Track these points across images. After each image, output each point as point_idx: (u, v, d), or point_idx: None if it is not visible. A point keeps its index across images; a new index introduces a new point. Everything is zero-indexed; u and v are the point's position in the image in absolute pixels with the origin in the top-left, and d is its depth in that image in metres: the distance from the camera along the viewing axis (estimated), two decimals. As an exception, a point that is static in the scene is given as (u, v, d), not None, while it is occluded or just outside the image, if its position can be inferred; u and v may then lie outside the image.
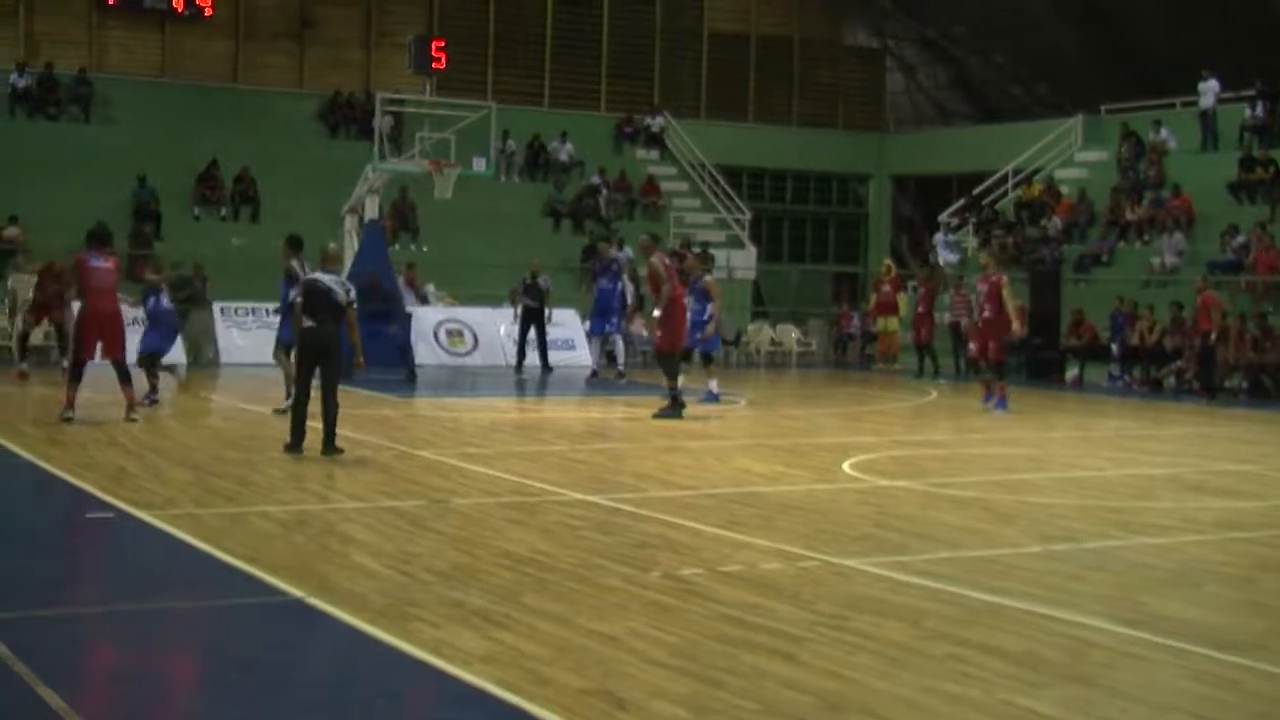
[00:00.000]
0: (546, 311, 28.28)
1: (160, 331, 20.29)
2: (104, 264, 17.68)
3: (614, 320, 26.72)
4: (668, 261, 20.18)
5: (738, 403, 23.43)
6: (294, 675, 7.34)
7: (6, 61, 35.56)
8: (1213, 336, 25.65)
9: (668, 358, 20.03)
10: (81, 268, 17.65)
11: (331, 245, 15.93)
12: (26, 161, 32.29)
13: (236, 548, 10.10)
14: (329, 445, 14.98)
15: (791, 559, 10.31)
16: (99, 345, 17.60)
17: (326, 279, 15.10)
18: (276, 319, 27.30)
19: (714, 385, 21.44)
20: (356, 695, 7.02)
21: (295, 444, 15.08)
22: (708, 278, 22.12)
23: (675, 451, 16.64)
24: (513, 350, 28.89)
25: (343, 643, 7.96)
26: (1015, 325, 22.06)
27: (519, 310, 28.77)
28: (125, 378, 17.70)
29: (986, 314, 21.72)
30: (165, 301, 20.38)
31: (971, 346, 23.16)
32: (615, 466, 15.07)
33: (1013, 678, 7.39)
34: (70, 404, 17.42)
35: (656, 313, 20.99)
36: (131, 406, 17.61)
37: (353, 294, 15.25)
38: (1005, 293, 21.46)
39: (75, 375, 17.58)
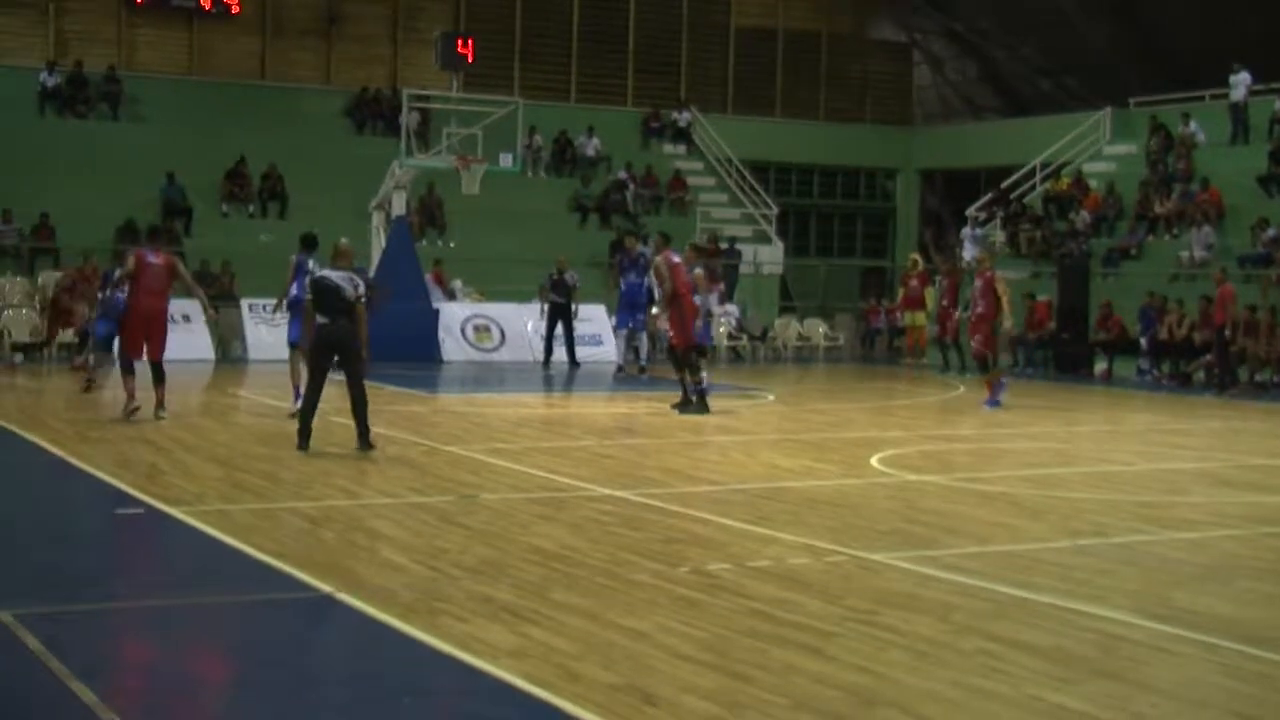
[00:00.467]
0: (573, 307, 28.35)
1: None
2: (157, 261, 17.74)
3: (639, 315, 26.69)
4: (674, 260, 20.11)
5: (766, 398, 23.44)
6: (323, 671, 7.36)
7: (37, 60, 35.69)
8: (1228, 330, 25.58)
9: (674, 353, 20.34)
10: (140, 263, 17.74)
11: (343, 240, 15.90)
12: (56, 159, 32.40)
13: (265, 543, 10.13)
14: (364, 441, 15.01)
15: (820, 554, 10.30)
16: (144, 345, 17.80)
17: (335, 276, 15.07)
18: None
19: (705, 377, 21.14)
20: (385, 690, 7.03)
21: (303, 442, 15.09)
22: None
23: (703, 446, 16.64)
24: (540, 346, 28.92)
25: (371, 638, 7.97)
26: (1008, 321, 22.16)
27: (546, 306, 28.81)
28: (160, 378, 17.75)
29: (980, 309, 21.84)
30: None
31: (974, 343, 23.15)
32: (643, 461, 15.07)
33: (1042, 673, 7.37)
34: (131, 395, 17.66)
35: (655, 310, 21.79)
36: (160, 404, 17.67)
37: (362, 289, 15.22)
38: (1000, 287, 21.64)
39: (127, 367, 17.92)
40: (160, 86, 36.53)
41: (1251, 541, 11.37)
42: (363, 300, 15.16)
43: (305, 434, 15.09)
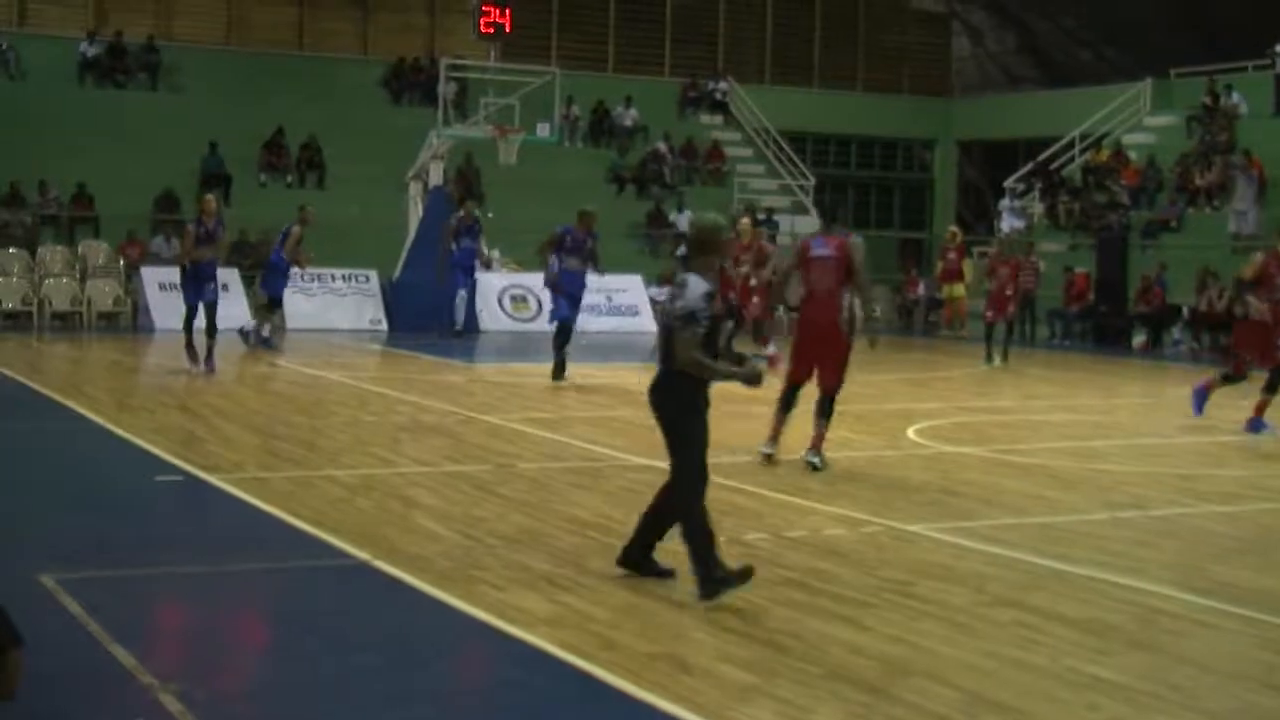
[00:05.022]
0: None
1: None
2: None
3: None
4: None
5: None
6: (358, 637, 7.40)
7: (77, 30, 35.81)
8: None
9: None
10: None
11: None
12: (95, 129, 32.50)
13: (303, 511, 10.19)
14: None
15: (856, 525, 10.30)
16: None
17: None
18: (343, 285, 28.12)
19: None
20: (420, 656, 7.07)
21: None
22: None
23: (740, 418, 16.56)
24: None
25: (407, 605, 8.01)
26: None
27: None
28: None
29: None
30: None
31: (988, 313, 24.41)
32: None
33: (1078, 644, 7.36)
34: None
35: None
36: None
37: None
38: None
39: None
40: (198, 56, 36.60)
41: (1291, 515, 11.32)
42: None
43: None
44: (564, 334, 19.43)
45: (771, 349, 20.45)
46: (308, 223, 23.80)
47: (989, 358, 24.24)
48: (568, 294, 19.52)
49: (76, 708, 6.23)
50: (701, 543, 8.03)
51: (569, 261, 19.39)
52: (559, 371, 19.35)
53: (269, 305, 24.30)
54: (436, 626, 7.66)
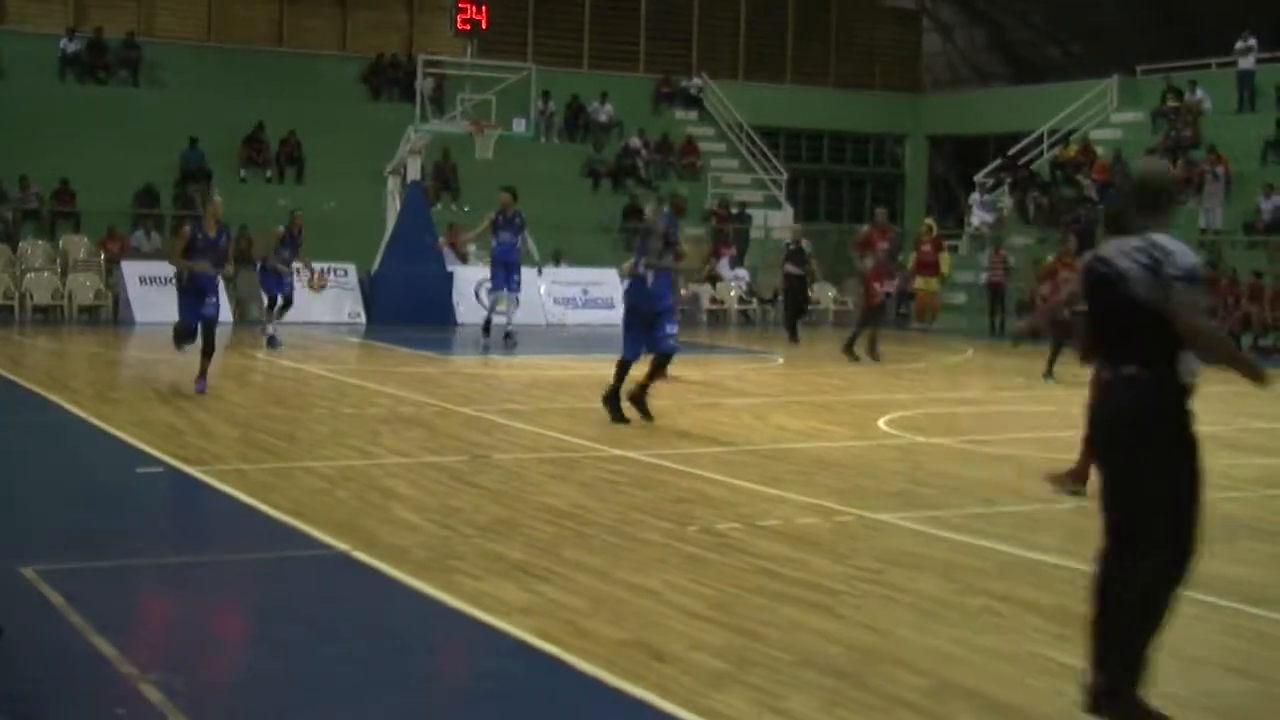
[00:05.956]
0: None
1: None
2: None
3: (515, 277, 25.18)
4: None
5: (775, 360, 23.57)
6: (338, 626, 7.49)
7: (57, 26, 35.72)
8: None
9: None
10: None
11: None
12: (76, 125, 32.45)
13: (282, 502, 10.28)
14: None
15: (828, 514, 10.43)
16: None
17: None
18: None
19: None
20: (399, 646, 7.18)
21: None
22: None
23: (713, 408, 16.76)
24: (552, 309, 29.00)
25: (386, 595, 8.11)
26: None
27: (782, 278, 28.29)
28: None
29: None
30: None
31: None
32: (653, 423, 15.17)
33: (1045, 631, 7.50)
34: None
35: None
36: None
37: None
38: None
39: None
40: (179, 52, 36.57)
41: (1256, 504, 11.49)
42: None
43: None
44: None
45: None
46: (297, 226, 23.48)
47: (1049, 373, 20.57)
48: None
49: (58, 698, 6.29)
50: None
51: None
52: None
53: (270, 305, 23.54)
54: (414, 616, 7.76)
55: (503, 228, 23.95)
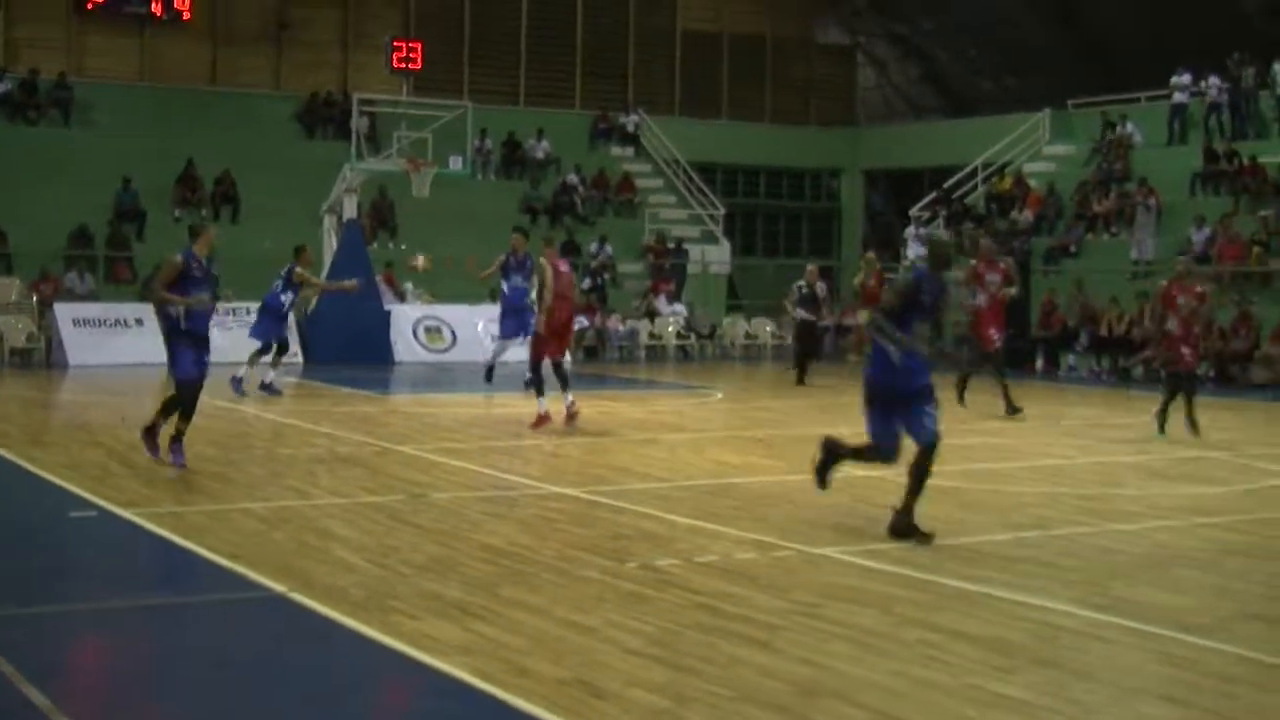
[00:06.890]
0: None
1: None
2: None
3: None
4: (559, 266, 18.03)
5: (714, 396, 23.61)
6: (276, 670, 7.46)
7: (-12, 67, 35.57)
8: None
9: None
10: None
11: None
12: (8, 166, 32.24)
13: (219, 545, 10.21)
14: None
15: (766, 549, 10.46)
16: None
17: None
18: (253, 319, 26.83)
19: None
20: (337, 687, 7.14)
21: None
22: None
23: (651, 444, 16.78)
24: (490, 346, 28.90)
25: (323, 636, 8.08)
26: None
27: (796, 320, 26.82)
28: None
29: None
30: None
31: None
32: (592, 460, 15.20)
33: (982, 662, 7.55)
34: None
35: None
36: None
37: None
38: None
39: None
40: (112, 93, 36.41)
41: (1186, 532, 11.60)
42: None
43: None
44: None
45: None
46: (309, 263, 22.88)
47: (1161, 428, 18.03)
48: None
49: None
50: None
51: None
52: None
53: (260, 350, 21.86)
54: (353, 657, 7.73)
55: (514, 270, 22.06)
